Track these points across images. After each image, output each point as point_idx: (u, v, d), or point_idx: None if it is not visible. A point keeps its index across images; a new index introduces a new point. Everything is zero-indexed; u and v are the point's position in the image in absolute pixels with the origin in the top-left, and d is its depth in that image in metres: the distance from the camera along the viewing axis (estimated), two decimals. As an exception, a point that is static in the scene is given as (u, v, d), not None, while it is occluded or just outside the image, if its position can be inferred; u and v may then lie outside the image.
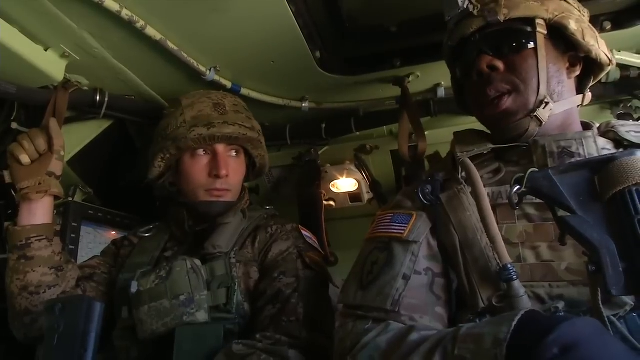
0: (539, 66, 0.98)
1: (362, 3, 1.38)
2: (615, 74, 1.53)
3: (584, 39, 1.00)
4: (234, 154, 1.40)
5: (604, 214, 0.72)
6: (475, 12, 1.02)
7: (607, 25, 1.38)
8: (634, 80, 1.56)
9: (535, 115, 0.97)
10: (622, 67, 1.53)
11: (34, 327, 1.26)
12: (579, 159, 0.94)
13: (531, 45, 0.99)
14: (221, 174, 1.34)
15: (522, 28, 1.00)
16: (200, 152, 1.37)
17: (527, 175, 0.78)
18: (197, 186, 1.36)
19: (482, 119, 1.08)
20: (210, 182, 1.35)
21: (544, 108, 0.98)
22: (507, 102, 0.98)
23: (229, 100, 1.43)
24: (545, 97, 0.98)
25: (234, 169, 1.39)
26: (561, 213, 0.75)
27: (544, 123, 0.98)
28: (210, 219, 1.36)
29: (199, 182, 1.36)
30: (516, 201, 0.81)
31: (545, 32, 1.00)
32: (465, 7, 1.04)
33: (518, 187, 0.80)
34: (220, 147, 1.37)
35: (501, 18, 1.00)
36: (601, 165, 0.75)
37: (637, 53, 1.51)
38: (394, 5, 1.37)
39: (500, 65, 0.99)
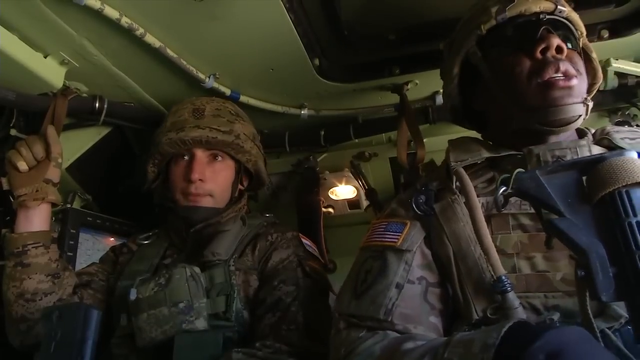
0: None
1: (361, 11, 1.38)
2: (613, 82, 1.54)
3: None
4: (215, 158, 1.39)
5: (592, 217, 0.70)
6: None
7: (605, 33, 1.39)
8: (632, 88, 1.57)
9: (587, 104, 0.98)
10: (620, 75, 1.54)
11: (30, 334, 1.25)
12: None
13: (576, 48, 1.03)
14: (192, 178, 1.33)
15: (574, 31, 1.04)
16: (182, 157, 1.38)
17: (513, 176, 0.76)
18: (177, 191, 1.37)
19: (524, 98, 0.99)
20: (185, 186, 1.35)
21: (589, 102, 0.99)
22: (575, 81, 0.97)
23: (211, 105, 1.42)
24: (588, 97, 1.00)
25: (213, 172, 1.38)
26: (550, 215, 0.72)
27: (587, 117, 0.99)
28: (194, 223, 1.35)
29: (177, 186, 1.37)
30: (502, 202, 0.80)
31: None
32: None
33: (504, 188, 0.78)
34: (199, 152, 1.37)
35: (565, 11, 1.02)
36: (590, 166, 0.72)
37: (635, 61, 1.51)
38: (393, 13, 1.38)
39: (566, 51, 0.98)
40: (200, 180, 1.34)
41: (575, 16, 1.05)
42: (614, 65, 1.49)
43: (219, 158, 1.39)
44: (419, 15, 1.38)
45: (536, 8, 1.00)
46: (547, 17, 1.00)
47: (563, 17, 1.02)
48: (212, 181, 1.37)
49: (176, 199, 1.37)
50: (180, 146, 1.35)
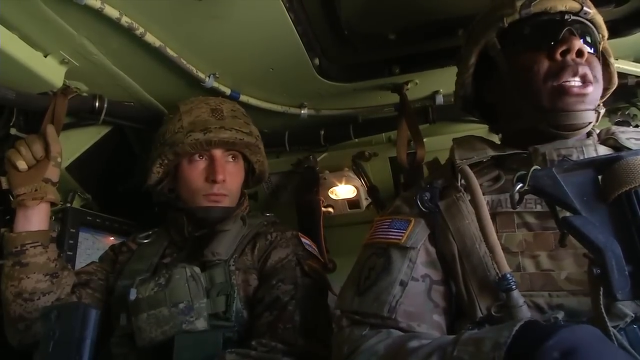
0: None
1: (361, 10, 1.38)
2: (613, 82, 1.54)
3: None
4: (231, 159, 1.40)
5: (608, 215, 0.70)
6: None
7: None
8: (632, 88, 1.57)
9: (599, 112, 0.98)
10: (620, 74, 1.52)
11: (28, 334, 1.25)
12: None
13: (597, 52, 1.01)
14: (218, 179, 1.33)
15: (596, 34, 1.02)
16: (197, 157, 1.37)
17: (530, 173, 0.76)
18: (195, 191, 1.36)
19: (537, 98, 0.98)
20: (207, 187, 1.35)
21: (601, 110, 1.00)
22: (590, 88, 0.96)
23: (227, 106, 1.43)
24: (600, 103, 1.00)
25: (231, 174, 1.39)
26: (564, 213, 0.72)
27: (597, 123, 0.99)
28: (208, 224, 1.35)
29: (196, 187, 1.36)
30: (517, 199, 0.79)
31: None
32: None
33: (520, 185, 0.77)
34: (218, 152, 1.37)
35: (591, 13, 1.00)
36: (606, 165, 0.73)
37: (634, 61, 1.52)
38: (393, 12, 1.37)
39: (587, 55, 0.97)
40: (223, 180, 1.35)
41: (599, 19, 1.03)
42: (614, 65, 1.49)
43: (233, 159, 1.41)
44: (419, 14, 1.38)
45: (562, 7, 0.99)
46: (572, 17, 0.99)
47: (587, 19, 1.01)
48: (231, 182, 1.39)
49: (192, 199, 1.37)
50: (203, 147, 1.35)
